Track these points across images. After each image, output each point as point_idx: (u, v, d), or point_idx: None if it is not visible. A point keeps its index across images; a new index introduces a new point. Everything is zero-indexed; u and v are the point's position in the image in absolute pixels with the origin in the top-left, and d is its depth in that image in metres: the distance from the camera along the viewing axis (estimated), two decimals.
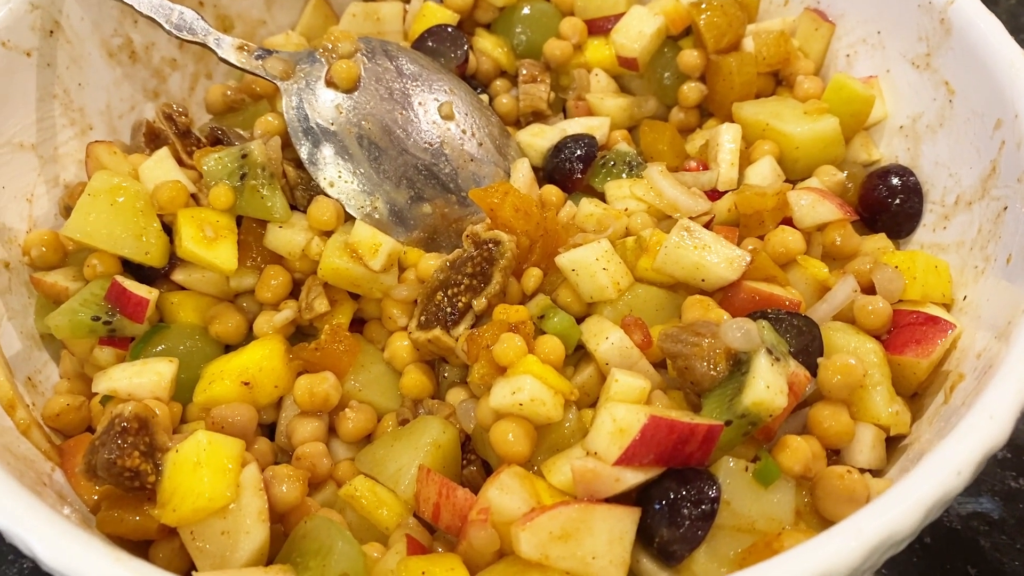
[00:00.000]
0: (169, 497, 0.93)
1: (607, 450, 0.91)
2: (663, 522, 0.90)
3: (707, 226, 1.19)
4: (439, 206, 1.27)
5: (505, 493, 0.92)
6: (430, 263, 1.17)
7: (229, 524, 0.93)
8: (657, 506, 0.91)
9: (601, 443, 0.92)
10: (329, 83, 1.29)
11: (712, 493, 0.91)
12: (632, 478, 0.90)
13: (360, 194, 1.23)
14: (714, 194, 1.27)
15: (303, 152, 1.24)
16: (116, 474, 0.93)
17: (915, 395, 1.09)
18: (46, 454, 1.07)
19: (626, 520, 0.90)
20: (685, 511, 0.90)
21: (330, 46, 1.32)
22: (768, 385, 0.92)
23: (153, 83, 1.46)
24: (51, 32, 1.30)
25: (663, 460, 0.91)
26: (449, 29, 1.45)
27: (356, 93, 1.29)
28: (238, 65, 1.28)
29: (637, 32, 1.41)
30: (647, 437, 0.90)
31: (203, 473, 0.92)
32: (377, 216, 1.23)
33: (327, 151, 1.25)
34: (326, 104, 1.28)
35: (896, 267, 1.12)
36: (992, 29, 1.15)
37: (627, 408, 0.93)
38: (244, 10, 1.54)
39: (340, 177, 1.23)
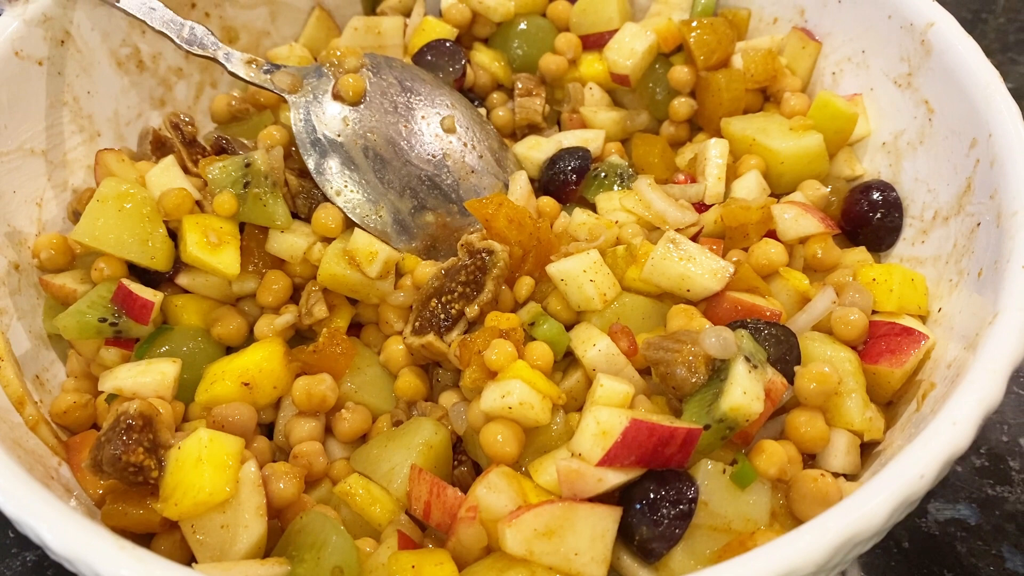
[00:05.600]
0: (171, 492, 0.95)
1: (591, 451, 0.94)
2: (643, 521, 0.93)
3: (694, 238, 1.22)
4: (440, 216, 1.30)
5: (493, 492, 0.95)
6: (426, 270, 1.19)
7: (228, 518, 0.95)
8: (638, 505, 0.93)
9: (585, 444, 0.95)
10: (336, 96, 1.32)
11: (690, 494, 0.93)
12: (614, 478, 0.93)
13: (365, 203, 1.26)
14: (701, 207, 1.30)
15: (311, 163, 1.27)
16: (121, 469, 0.95)
17: (890, 403, 1.12)
18: (53, 449, 1.09)
19: (608, 519, 0.92)
20: (664, 511, 0.92)
21: (336, 61, 1.35)
22: (745, 391, 0.94)
23: (160, 92, 1.49)
24: (62, 42, 1.33)
25: (644, 462, 0.94)
26: (448, 43, 1.47)
27: (362, 106, 1.32)
28: (247, 79, 1.31)
29: (629, 49, 1.44)
30: (629, 439, 0.92)
31: (204, 469, 0.94)
32: (381, 225, 1.26)
33: (334, 162, 1.28)
34: (333, 117, 1.31)
35: (873, 279, 1.14)
36: (969, 51, 1.17)
37: (610, 411, 0.96)
38: (249, 22, 1.56)
39: (346, 187, 1.26)
